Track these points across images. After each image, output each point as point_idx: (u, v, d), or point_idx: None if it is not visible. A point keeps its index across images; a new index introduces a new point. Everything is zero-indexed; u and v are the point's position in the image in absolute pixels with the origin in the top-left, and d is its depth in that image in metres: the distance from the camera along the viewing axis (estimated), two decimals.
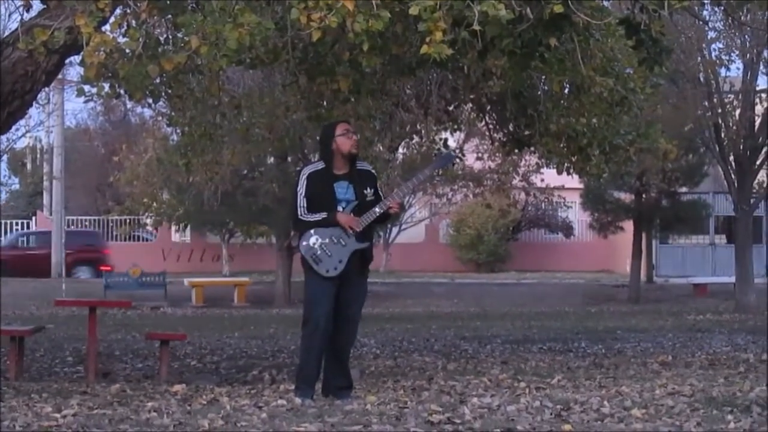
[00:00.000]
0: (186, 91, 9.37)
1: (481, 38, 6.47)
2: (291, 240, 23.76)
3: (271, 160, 24.00)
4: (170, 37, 7.09)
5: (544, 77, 9.36)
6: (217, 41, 6.45)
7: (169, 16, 7.10)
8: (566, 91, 9.60)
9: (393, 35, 7.34)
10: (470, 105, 11.56)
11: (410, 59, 8.11)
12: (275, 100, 11.10)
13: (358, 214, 7.04)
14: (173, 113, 11.09)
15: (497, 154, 25.15)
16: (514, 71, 8.32)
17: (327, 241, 7.00)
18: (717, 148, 21.18)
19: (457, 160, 20.33)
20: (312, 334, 7.03)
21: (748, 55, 20.28)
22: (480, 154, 27.88)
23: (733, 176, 21.25)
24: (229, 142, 12.19)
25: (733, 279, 22.88)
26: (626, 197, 27.56)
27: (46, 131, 35.26)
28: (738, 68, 20.85)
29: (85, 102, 9.17)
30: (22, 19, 7.65)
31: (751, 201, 21.69)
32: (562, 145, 10.07)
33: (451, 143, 14.13)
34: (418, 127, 12.10)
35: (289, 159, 23.47)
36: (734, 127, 20.90)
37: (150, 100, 9.20)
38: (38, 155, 42.06)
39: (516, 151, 11.34)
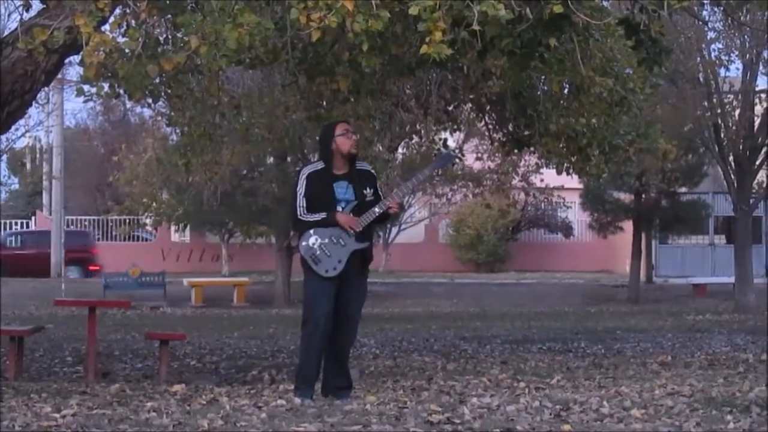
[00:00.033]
0: (185, 91, 9.37)
1: (481, 38, 6.46)
2: (290, 240, 23.76)
3: (271, 160, 24.01)
4: (170, 37, 7.09)
5: (543, 77, 9.36)
6: (216, 41, 6.44)
7: (169, 16, 7.10)
8: (566, 91, 9.60)
9: (392, 35, 7.34)
10: (470, 105, 11.56)
11: (410, 59, 8.11)
12: (275, 100, 11.10)
13: (358, 214, 7.04)
14: (173, 113, 11.09)
15: (497, 154, 25.15)
16: (513, 71, 8.32)
17: (326, 241, 7.00)
18: (716, 149, 21.18)
19: (457, 160, 20.33)
20: (311, 334, 7.03)
21: (747, 56, 20.29)
22: (479, 154, 27.88)
23: (732, 176, 21.26)
24: (228, 142, 12.19)
25: (732, 279, 22.89)
26: (626, 197, 27.58)
27: (46, 131, 35.28)
28: (737, 68, 20.89)
29: (85, 102, 9.17)
30: (21, 18, 7.66)
31: (751, 201, 21.70)
32: (561, 145, 10.07)
33: (451, 143, 14.14)
34: (418, 127, 12.10)
35: (289, 159, 23.48)
36: (734, 128, 20.90)
37: (149, 100, 9.21)
38: (38, 155, 42.07)
39: (515, 151, 11.34)
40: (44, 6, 7.55)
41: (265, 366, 9.98)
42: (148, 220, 33.54)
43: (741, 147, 20.94)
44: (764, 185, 23.73)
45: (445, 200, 31.81)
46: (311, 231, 7.03)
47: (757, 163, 21.36)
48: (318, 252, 7.00)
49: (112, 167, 32.39)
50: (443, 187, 30.24)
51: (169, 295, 24.93)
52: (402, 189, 7.86)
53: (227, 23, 6.40)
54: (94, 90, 7.23)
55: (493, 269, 35.69)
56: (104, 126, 40.32)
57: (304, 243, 7.05)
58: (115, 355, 11.21)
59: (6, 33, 9.70)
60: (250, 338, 13.82)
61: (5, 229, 36.61)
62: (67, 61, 8.42)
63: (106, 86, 7.16)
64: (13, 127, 14.98)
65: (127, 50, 6.64)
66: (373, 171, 7.42)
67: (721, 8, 14.07)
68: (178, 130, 12.39)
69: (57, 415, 6.17)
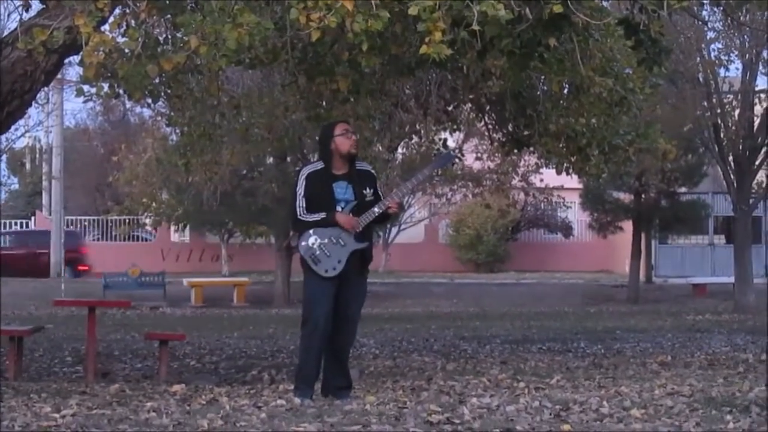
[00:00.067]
0: (185, 91, 9.37)
1: (481, 38, 6.46)
2: (290, 240, 23.76)
3: (271, 160, 24.02)
4: (169, 37, 7.08)
5: (543, 77, 9.36)
6: (216, 41, 6.44)
7: (169, 16, 7.10)
8: (565, 91, 9.60)
9: (392, 35, 7.34)
10: (469, 105, 11.56)
11: (409, 59, 8.11)
12: (274, 100, 11.10)
13: (358, 214, 7.04)
14: (172, 113, 11.09)
15: (496, 154, 25.14)
16: (513, 71, 8.32)
17: (326, 241, 7.00)
18: (716, 149, 21.19)
19: (457, 160, 20.33)
20: (311, 334, 7.03)
21: (747, 56, 20.29)
22: (479, 154, 27.88)
23: (732, 176, 21.26)
24: (228, 142, 12.19)
25: (732, 279, 22.90)
26: (625, 197, 27.58)
27: (46, 131, 35.29)
28: (737, 68, 20.89)
29: (85, 102, 9.15)
30: (21, 18, 7.66)
31: (750, 201, 21.70)
32: (561, 145, 10.07)
33: (451, 143, 14.14)
34: (418, 127, 12.10)
35: (289, 159, 23.48)
36: (733, 128, 20.91)
37: (149, 100, 9.20)
38: (37, 155, 42.07)
39: (515, 151, 11.34)
40: (44, 6, 7.55)
41: (265, 366, 9.98)
42: (147, 220, 33.55)
43: (740, 147, 20.95)
44: (764, 185, 23.73)
45: (445, 200, 31.81)
46: (311, 231, 7.03)
47: (757, 163, 21.36)
48: (317, 252, 7.00)
49: (112, 167, 32.39)
50: (443, 187, 30.25)
51: (169, 295, 24.93)
52: (401, 189, 7.86)
53: (227, 23, 6.40)
54: (93, 90, 7.23)
55: (492, 269, 35.69)
56: (104, 126, 40.32)
57: (303, 243, 7.04)
58: (114, 355, 11.21)
59: (6, 33, 9.70)
60: (250, 338, 13.82)
61: (4, 229, 36.61)
62: (66, 61, 8.43)
63: (105, 86, 7.16)
64: (13, 127, 14.98)
65: (126, 50, 6.64)
66: (373, 171, 7.42)
67: (721, 8, 14.08)
68: (177, 130, 12.39)
69: (56, 415, 6.17)
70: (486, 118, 11.31)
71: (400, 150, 16.07)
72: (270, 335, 14.47)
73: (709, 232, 33.64)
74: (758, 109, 21.46)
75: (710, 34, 20.05)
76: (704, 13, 17.51)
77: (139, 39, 6.63)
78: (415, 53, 7.03)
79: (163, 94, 9.09)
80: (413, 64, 8.31)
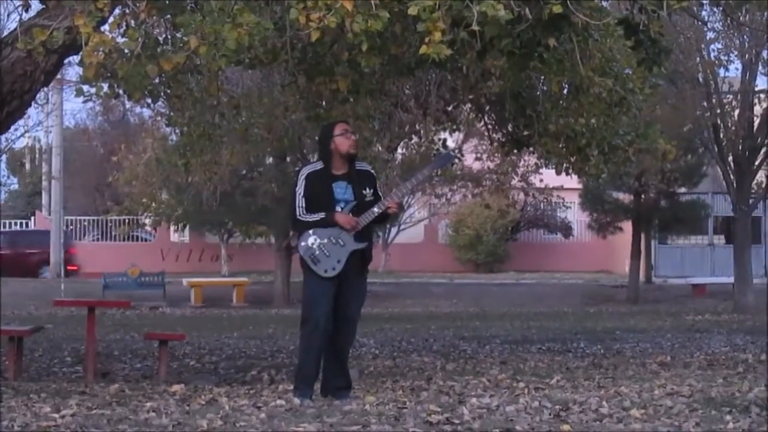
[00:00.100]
0: (185, 91, 9.37)
1: (480, 38, 6.46)
2: (290, 240, 23.77)
3: (270, 160, 24.03)
4: (169, 37, 7.08)
5: (543, 77, 9.36)
6: (216, 41, 6.44)
7: (168, 16, 7.09)
8: (565, 91, 9.60)
9: (392, 35, 7.34)
10: (469, 105, 11.57)
11: (409, 59, 8.11)
12: (274, 100, 11.10)
13: (357, 214, 7.04)
14: (172, 113, 11.09)
15: (496, 155, 25.13)
16: (512, 71, 8.32)
17: (325, 241, 7.00)
18: (716, 149, 21.19)
19: (456, 160, 20.34)
20: (311, 334, 7.03)
21: (746, 56, 20.30)
22: (479, 155, 27.87)
23: (731, 177, 21.27)
24: (227, 142, 12.20)
25: (731, 279, 22.90)
26: (625, 197, 27.58)
27: (45, 131, 35.28)
28: (737, 69, 20.89)
29: (84, 102, 9.16)
30: (21, 19, 7.67)
31: (750, 201, 21.70)
32: (561, 146, 10.08)
33: (450, 143, 14.17)
34: (417, 127, 12.11)
35: (288, 159, 23.48)
36: (733, 128, 20.91)
37: (149, 100, 9.19)
38: (37, 155, 42.07)
39: (515, 151, 11.34)
40: (43, 6, 7.55)
41: (265, 366, 9.98)
42: (147, 221, 33.53)
43: (740, 147, 20.95)
44: (763, 185, 23.73)
45: (445, 200, 31.80)
46: (310, 231, 7.03)
47: (757, 163, 21.37)
48: (317, 252, 7.00)
49: (112, 167, 32.39)
50: (443, 187, 30.24)
51: (169, 295, 24.94)
52: (401, 189, 7.85)
53: (226, 23, 6.40)
54: (93, 90, 7.23)
55: (492, 269, 35.68)
56: (104, 126, 40.32)
57: (303, 243, 7.04)
58: (114, 356, 11.21)
59: (5, 33, 9.70)
60: (250, 338, 13.82)
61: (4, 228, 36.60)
62: (66, 61, 8.43)
63: (105, 86, 7.15)
64: (13, 128, 14.97)
65: (126, 50, 6.64)
66: (372, 171, 7.41)
67: (721, 8, 14.09)
68: (177, 130, 12.39)
69: (56, 415, 6.17)
70: (486, 119, 11.31)
71: (399, 150, 16.05)
72: (269, 335, 14.47)
73: (708, 232, 33.64)
74: (758, 110, 21.46)
75: (710, 35, 20.07)
76: (704, 13, 17.53)
77: (139, 39, 6.63)
78: (415, 53, 7.03)
79: (162, 94, 9.09)
80: (413, 65, 8.31)
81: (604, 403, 6.46)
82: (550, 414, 6.12)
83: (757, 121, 21.16)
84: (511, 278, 32.77)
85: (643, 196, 26.83)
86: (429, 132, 12.32)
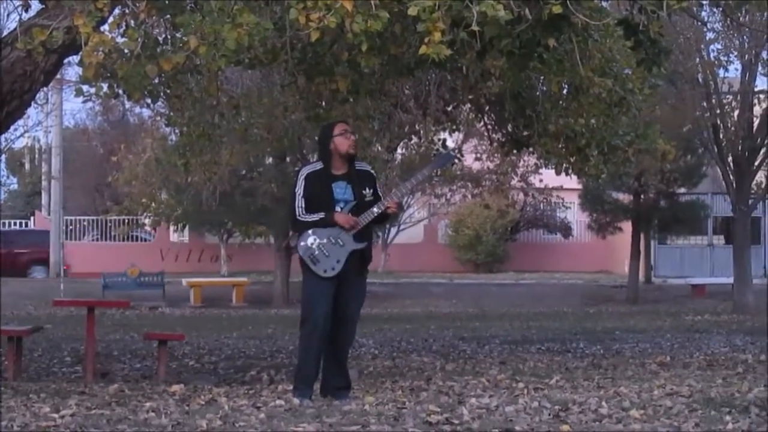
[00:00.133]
0: (184, 91, 9.37)
1: (480, 39, 6.46)
2: (289, 240, 23.75)
3: (270, 160, 24.03)
4: (169, 37, 7.08)
5: (542, 78, 9.36)
6: (215, 41, 6.44)
7: (168, 16, 7.09)
8: (565, 91, 9.61)
9: (392, 35, 7.34)
10: (469, 105, 11.57)
11: (409, 60, 8.11)
12: (274, 101, 11.10)
13: (357, 214, 7.04)
14: (172, 113, 11.09)
15: (496, 155, 25.16)
16: (512, 72, 8.32)
17: (325, 241, 7.00)
18: (715, 149, 21.19)
19: (456, 160, 20.32)
20: (310, 334, 7.03)
21: (746, 56, 20.29)
22: (479, 155, 27.89)
23: (731, 177, 21.27)
24: (227, 142, 12.19)
25: (731, 280, 22.90)
26: (625, 198, 27.59)
27: (45, 131, 35.30)
28: (736, 69, 20.89)
29: (84, 102, 9.17)
30: (20, 18, 7.66)
31: (750, 202, 21.70)
32: (560, 146, 10.08)
33: (450, 144, 14.16)
34: (417, 127, 12.10)
35: (288, 159, 23.49)
36: (733, 128, 20.91)
37: (148, 100, 9.18)
38: (36, 155, 42.10)
39: (515, 151, 11.34)
40: (43, 6, 7.55)
41: (264, 366, 9.98)
42: (146, 221, 33.52)
43: (740, 147, 20.95)
44: (763, 186, 23.74)
45: (444, 200, 31.81)
46: (310, 231, 7.03)
47: (756, 163, 21.36)
48: (317, 252, 7.00)
49: (111, 167, 32.38)
50: (442, 187, 30.25)
51: (168, 295, 24.93)
52: (401, 189, 7.85)
53: (226, 23, 6.41)
54: (93, 90, 7.23)
55: (492, 270, 35.68)
56: (103, 126, 40.32)
57: (302, 243, 7.04)
58: (113, 356, 11.21)
59: (5, 33, 9.70)
60: (249, 338, 13.81)
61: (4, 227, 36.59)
62: (66, 61, 8.43)
63: (105, 86, 7.15)
64: (12, 127, 14.97)
65: (126, 50, 6.64)
66: (372, 171, 7.41)
67: (720, 9, 14.09)
68: (177, 131, 12.39)
69: (55, 416, 6.17)
70: (485, 119, 11.31)
71: (399, 150, 16.05)
72: (269, 335, 14.47)
73: (708, 232, 33.65)
74: (757, 110, 21.45)
75: (710, 35, 20.07)
76: (704, 13, 17.54)
77: (139, 39, 6.63)
78: (415, 53, 7.03)
79: (162, 94, 9.09)
80: (412, 65, 8.31)
81: (603, 403, 6.46)
82: (549, 414, 6.12)
83: (756, 122, 21.15)
84: (510, 278, 32.77)
85: (642, 197, 26.83)
86: (429, 132, 12.31)
